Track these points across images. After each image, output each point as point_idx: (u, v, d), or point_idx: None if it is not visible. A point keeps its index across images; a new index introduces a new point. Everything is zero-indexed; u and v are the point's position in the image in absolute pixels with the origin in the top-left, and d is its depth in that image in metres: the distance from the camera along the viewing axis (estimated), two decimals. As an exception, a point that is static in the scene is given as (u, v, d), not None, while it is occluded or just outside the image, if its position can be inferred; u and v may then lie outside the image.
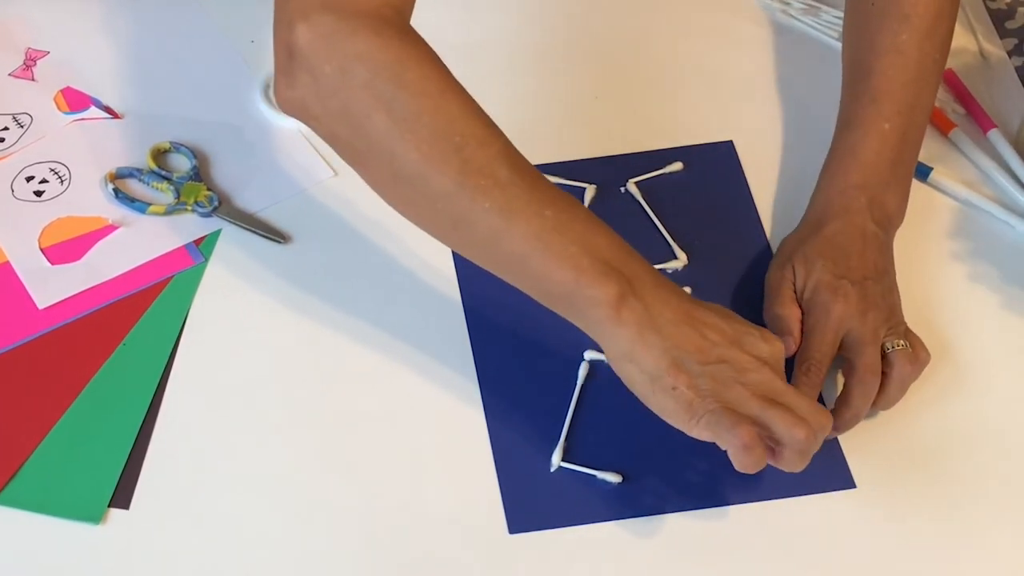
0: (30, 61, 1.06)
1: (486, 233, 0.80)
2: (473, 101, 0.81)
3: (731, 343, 0.79)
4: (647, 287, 0.79)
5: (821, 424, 0.79)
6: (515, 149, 0.81)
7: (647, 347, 0.78)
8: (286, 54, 0.80)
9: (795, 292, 0.90)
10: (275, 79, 0.82)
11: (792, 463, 0.80)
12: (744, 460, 0.78)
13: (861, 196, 0.92)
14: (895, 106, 0.94)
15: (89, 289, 0.93)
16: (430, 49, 0.81)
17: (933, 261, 0.95)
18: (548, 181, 0.81)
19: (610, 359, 0.80)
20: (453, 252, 0.95)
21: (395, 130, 0.78)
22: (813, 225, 0.92)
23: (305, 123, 0.83)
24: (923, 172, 1.01)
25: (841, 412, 0.86)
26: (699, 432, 0.79)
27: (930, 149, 1.03)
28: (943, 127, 1.05)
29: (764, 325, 0.89)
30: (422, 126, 0.78)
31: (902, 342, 0.87)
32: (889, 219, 0.93)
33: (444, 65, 0.81)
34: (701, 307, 0.80)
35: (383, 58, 0.79)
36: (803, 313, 0.89)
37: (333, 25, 0.79)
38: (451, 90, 0.80)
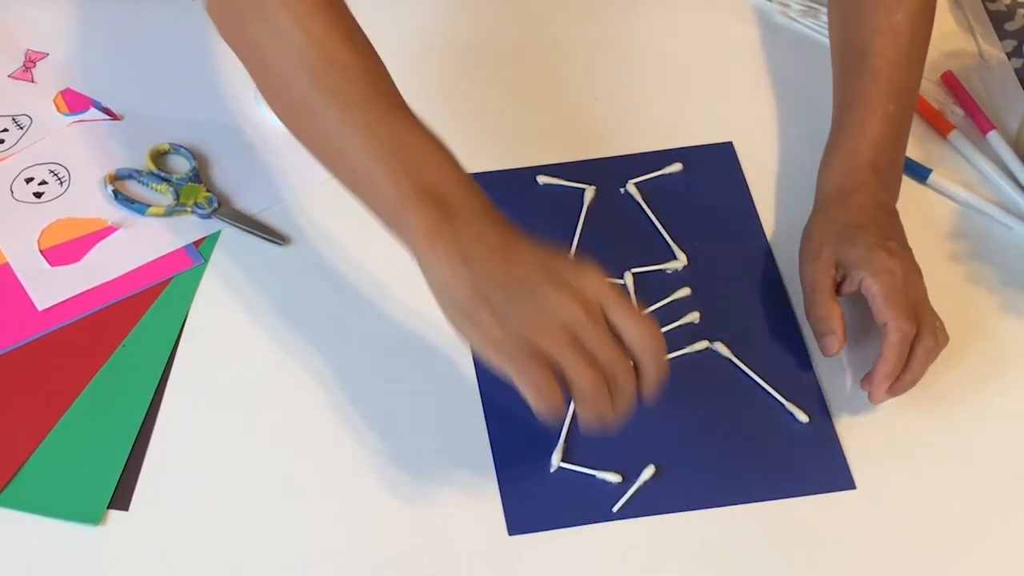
0: (30, 63, 1.06)
1: (332, 147, 0.81)
2: (346, 22, 0.82)
3: (543, 277, 0.76)
4: (467, 218, 0.77)
5: (621, 379, 0.76)
6: (381, 74, 0.82)
7: (456, 278, 0.76)
8: None
9: (833, 282, 0.90)
10: None
11: (583, 411, 0.77)
12: (537, 401, 0.75)
13: (874, 174, 0.93)
14: (895, 86, 0.95)
15: (88, 291, 0.93)
16: None
17: (932, 262, 0.95)
18: (405, 108, 0.81)
19: (428, 286, 0.79)
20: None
21: (263, 38, 0.82)
22: (835, 201, 0.93)
23: (215, 25, 0.87)
24: (923, 174, 1.01)
25: (878, 368, 0.86)
26: (501, 365, 0.76)
27: (929, 151, 1.03)
28: (942, 129, 1.05)
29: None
30: (283, 37, 0.81)
31: (936, 321, 0.88)
32: (893, 196, 0.95)
33: None
34: (519, 240, 0.78)
35: None
36: (864, 280, 0.88)
37: None
38: (320, 5, 0.81)
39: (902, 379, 0.87)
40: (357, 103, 0.80)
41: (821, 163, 0.97)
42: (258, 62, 0.84)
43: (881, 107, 0.95)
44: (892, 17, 0.97)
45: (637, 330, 0.76)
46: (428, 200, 0.77)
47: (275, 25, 0.81)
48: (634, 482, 0.85)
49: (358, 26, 0.83)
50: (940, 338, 0.88)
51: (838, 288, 0.90)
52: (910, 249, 0.91)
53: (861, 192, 0.92)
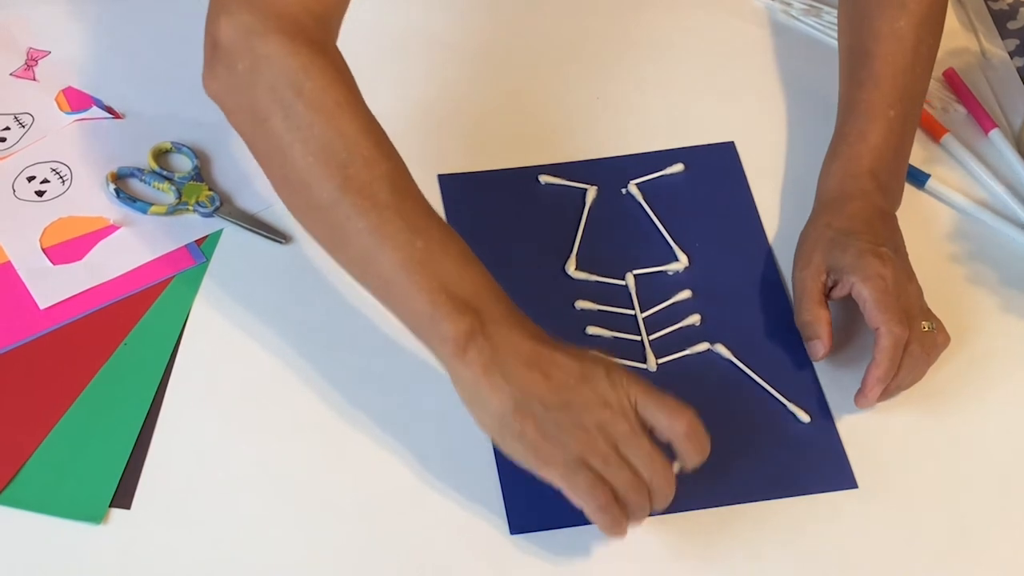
0: (32, 61, 1.06)
1: (358, 252, 0.81)
2: (372, 120, 0.82)
3: (578, 381, 0.78)
4: (500, 328, 0.78)
5: (661, 480, 0.78)
6: (404, 173, 0.81)
7: (492, 389, 0.78)
8: (211, 45, 0.83)
9: (823, 288, 0.90)
10: (203, 67, 0.84)
11: (634, 518, 0.79)
12: (592, 508, 0.77)
13: (873, 181, 0.93)
14: (897, 92, 0.95)
15: (90, 289, 0.93)
16: (340, 62, 0.83)
17: (931, 264, 0.95)
18: (430, 210, 0.81)
19: (461, 397, 0.80)
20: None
21: (287, 136, 0.80)
22: (830, 208, 0.93)
23: (223, 112, 0.85)
24: (920, 179, 1.01)
25: (870, 373, 0.86)
26: (552, 480, 0.78)
27: (921, 155, 1.03)
28: (935, 133, 1.05)
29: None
30: (312, 137, 0.80)
31: (928, 324, 0.88)
32: (895, 201, 0.95)
33: (351, 80, 0.82)
34: (552, 347, 0.79)
35: (289, 64, 0.80)
36: (855, 286, 0.88)
37: (251, 24, 0.81)
38: (348, 105, 0.81)
39: (895, 382, 0.87)
40: (390, 211, 0.79)
41: (822, 168, 0.97)
42: (279, 160, 0.82)
43: (882, 113, 0.95)
44: (896, 23, 0.97)
45: (663, 420, 0.78)
46: (463, 311, 0.78)
47: (304, 124, 0.80)
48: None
49: (378, 123, 0.82)
50: (940, 339, 0.89)
51: (829, 293, 0.90)
52: (905, 255, 0.91)
53: (857, 199, 0.92)
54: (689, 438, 0.79)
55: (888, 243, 0.90)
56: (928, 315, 0.89)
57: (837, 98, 1.00)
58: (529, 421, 0.77)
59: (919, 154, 1.03)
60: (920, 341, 0.87)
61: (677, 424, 0.78)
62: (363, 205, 0.79)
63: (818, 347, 0.89)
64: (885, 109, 0.95)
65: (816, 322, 0.89)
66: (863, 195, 0.93)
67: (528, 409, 0.77)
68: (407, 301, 0.80)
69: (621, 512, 0.78)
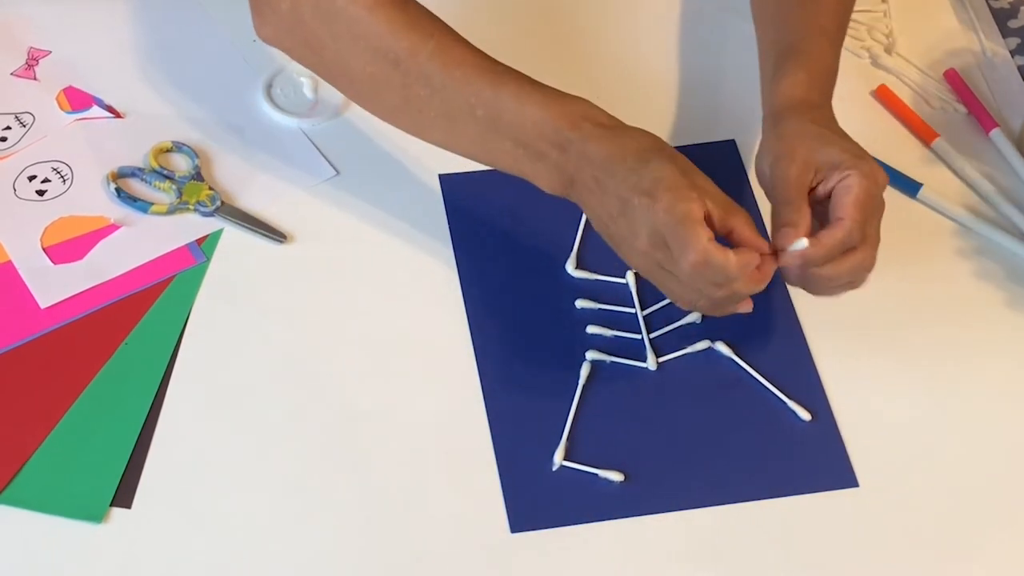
0: (32, 60, 1.06)
1: (443, 137, 0.88)
2: (403, 8, 0.85)
3: (619, 213, 0.82)
4: (582, 157, 0.83)
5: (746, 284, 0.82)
6: (448, 42, 0.85)
7: (604, 194, 0.82)
8: None
9: (808, 185, 0.86)
10: (252, 17, 0.89)
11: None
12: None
13: (828, 94, 0.92)
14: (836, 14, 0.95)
15: (91, 288, 0.93)
16: None
17: (938, 258, 0.95)
18: (477, 63, 0.86)
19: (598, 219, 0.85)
20: (455, 252, 0.95)
21: (343, 55, 0.86)
22: (797, 111, 0.89)
23: (285, 53, 0.90)
24: (912, 188, 1.01)
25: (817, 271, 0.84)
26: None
27: (913, 159, 1.03)
28: (926, 137, 1.04)
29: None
30: (361, 48, 0.85)
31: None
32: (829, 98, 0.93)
33: None
34: (622, 168, 0.82)
35: None
36: (841, 181, 0.85)
37: None
38: (378, 5, 0.84)
39: (815, 272, 0.84)
40: (446, 91, 0.85)
41: (770, 79, 0.93)
42: (347, 78, 0.88)
43: (828, 35, 0.94)
44: None
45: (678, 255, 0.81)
46: (539, 157, 0.84)
47: (349, 39, 0.85)
48: (636, 481, 0.85)
49: (415, 6, 0.86)
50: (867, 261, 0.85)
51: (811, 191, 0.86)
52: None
53: (825, 107, 0.91)
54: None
55: (856, 147, 0.87)
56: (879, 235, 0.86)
57: (838, 95, 0.99)
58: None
59: (910, 160, 1.02)
60: (870, 255, 0.85)
61: (685, 259, 0.80)
62: (424, 95, 0.85)
63: (789, 234, 0.84)
64: (827, 29, 0.94)
65: (802, 220, 0.84)
66: (828, 106, 0.91)
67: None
68: (498, 166, 0.87)
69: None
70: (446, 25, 0.86)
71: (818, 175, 0.86)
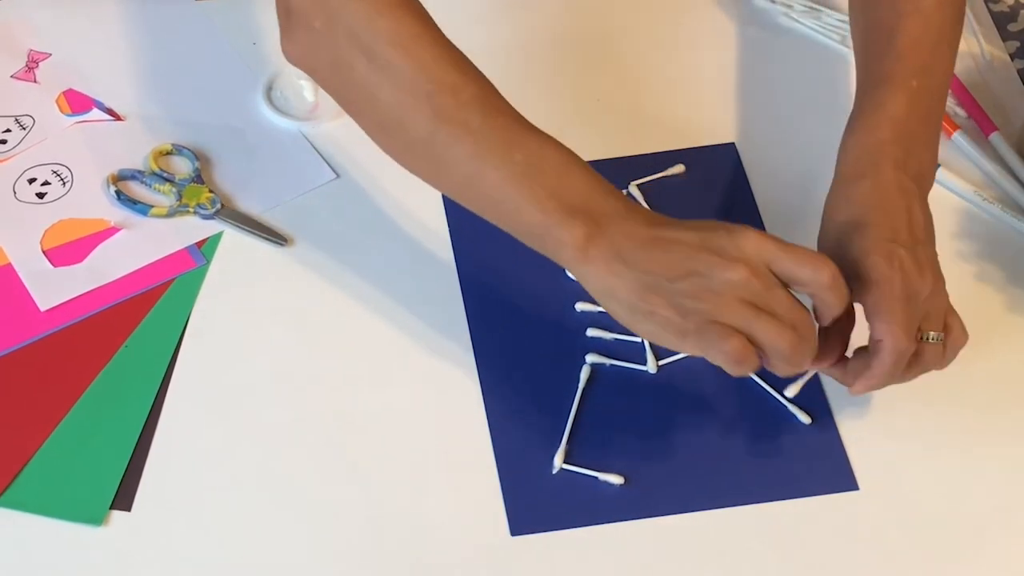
0: (32, 63, 1.06)
1: (461, 179, 0.82)
2: (449, 46, 0.83)
3: (699, 250, 0.77)
4: (614, 222, 0.79)
5: (807, 329, 0.78)
6: (491, 91, 0.82)
7: (618, 279, 0.78)
8: (284, 13, 0.85)
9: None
10: (280, 37, 0.86)
11: (780, 369, 0.79)
12: (737, 371, 0.77)
13: (893, 151, 0.86)
14: (921, 64, 0.90)
15: (91, 291, 0.93)
16: None
17: (939, 261, 0.95)
18: (523, 121, 0.82)
19: (592, 294, 0.80)
20: (455, 256, 0.95)
21: (373, 79, 0.82)
22: (842, 190, 0.86)
23: (307, 74, 0.88)
24: None
25: (863, 380, 0.82)
26: (690, 350, 0.78)
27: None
28: (945, 129, 1.05)
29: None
30: (395, 75, 0.81)
31: (935, 335, 0.82)
32: (923, 176, 0.88)
33: (423, 12, 0.83)
34: (667, 226, 0.79)
35: (359, 9, 0.82)
36: (856, 291, 0.81)
37: None
38: (425, 36, 0.82)
39: (887, 382, 0.82)
40: (483, 132, 0.80)
41: (840, 145, 0.90)
42: (370, 105, 0.84)
43: (903, 83, 0.88)
44: (920, 1, 0.92)
45: (807, 272, 0.77)
46: (574, 215, 0.79)
47: (386, 63, 0.81)
48: (636, 484, 0.85)
49: (457, 48, 0.83)
50: (952, 344, 0.83)
51: None
52: (927, 241, 0.84)
53: (870, 177, 0.85)
54: (832, 288, 0.78)
55: (903, 231, 0.83)
56: (939, 321, 0.83)
57: (838, 98, 1.00)
58: (657, 299, 0.77)
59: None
60: (924, 351, 0.82)
61: (821, 274, 0.77)
62: (457, 132, 0.81)
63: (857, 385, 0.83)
64: (907, 79, 0.89)
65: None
66: (878, 171, 0.85)
67: (654, 287, 0.77)
68: (518, 216, 0.80)
69: (753, 355, 0.77)
70: (488, 79, 0.83)
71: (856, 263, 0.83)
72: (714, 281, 0.76)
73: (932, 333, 0.82)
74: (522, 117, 0.82)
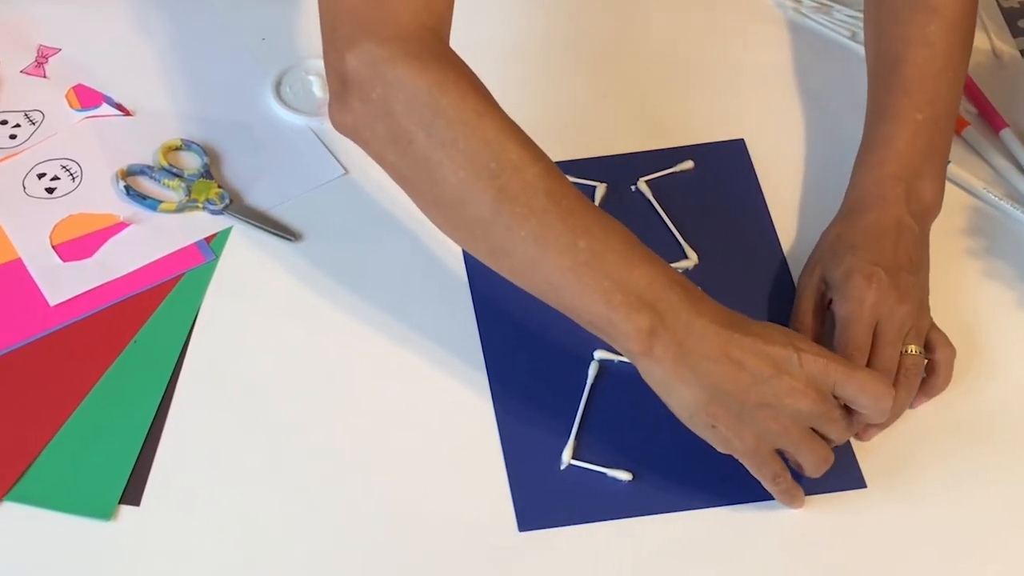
0: (42, 58, 1.06)
1: (522, 261, 0.80)
2: (511, 124, 0.81)
3: (772, 374, 0.78)
4: (681, 320, 0.78)
5: (842, 440, 0.83)
6: (555, 171, 0.81)
7: (683, 383, 0.79)
8: (339, 82, 0.82)
9: (819, 296, 0.89)
10: (329, 103, 0.84)
11: (810, 475, 0.84)
12: (777, 489, 0.82)
13: (897, 186, 0.90)
14: (926, 96, 0.93)
15: (100, 286, 0.93)
16: (468, 71, 0.82)
17: (948, 257, 0.95)
18: (587, 204, 0.81)
19: (654, 390, 0.81)
20: (464, 251, 0.95)
21: (434, 155, 0.80)
22: (847, 217, 0.91)
23: (358, 145, 0.84)
24: None
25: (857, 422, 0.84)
26: (737, 457, 0.81)
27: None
28: (957, 125, 1.04)
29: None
30: (459, 152, 0.79)
31: (916, 348, 0.86)
32: (926, 210, 0.92)
33: (482, 87, 0.82)
34: (740, 333, 0.79)
35: (420, 83, 0.80)
36: (835, 303, 0.87)
37: (375, 52, 0.80)
38: (488, 114, 0.80)
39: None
40: (548, 215, 0.79)
41: (850, 176, 0.94)
42: (428, 181, 0.81)
43: (910, 118, 0.92)
44: (925, 29, 0.94)
45: (866, 400, 0.80)
46: (640, 308, 0.78)
47: (449, 139, 0.79)
48: (645, 480, 0.85)
49: (518, 126, 0.82)
50: (941, 358, 0.88)
51: (829, 306, 0.89)
52: (908, 268, 0.88)
53: (874, 209, 0.90)
54: (887, 414, 0.81)
55: (890, 261, 0.87)
56: (920, 338, 0.87)
57: (849, 96, 1.00)
58: (722, 413, 0.79)
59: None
60: (905, 363, 0.86)
61: (881, 403, 0.80)
62: (520, 213, 0.79)
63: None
64: (912, 113, 0.92)
65: (801, 331, 0.88)
66: (882, 205, 0.90)
67: (722, 402, 0.79)
68: (581, 304, 0.80)
69: (800, 491, 0.83)
70: (549, 158, 0.82)
71: (829, 292, 0.89)
72: (783, 410, 0.79)
73: (912, 347, 0.86)
74: (583, 196, 0.81)
